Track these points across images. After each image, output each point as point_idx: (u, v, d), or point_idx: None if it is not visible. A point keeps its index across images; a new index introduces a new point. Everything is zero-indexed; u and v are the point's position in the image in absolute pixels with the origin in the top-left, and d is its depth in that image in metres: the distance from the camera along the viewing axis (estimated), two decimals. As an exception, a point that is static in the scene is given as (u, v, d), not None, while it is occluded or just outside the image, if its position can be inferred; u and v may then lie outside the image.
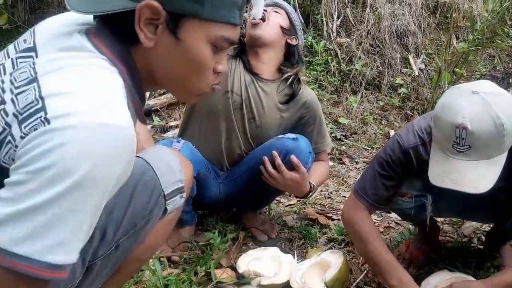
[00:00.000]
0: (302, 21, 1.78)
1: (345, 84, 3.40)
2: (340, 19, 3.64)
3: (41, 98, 0.63)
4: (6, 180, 0.61)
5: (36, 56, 0.71)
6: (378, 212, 2.10)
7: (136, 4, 0.70)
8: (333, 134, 2.99)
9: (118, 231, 0.88)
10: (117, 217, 0.87)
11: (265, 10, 1.61)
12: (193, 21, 0.73)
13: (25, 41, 0.77)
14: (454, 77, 3.39)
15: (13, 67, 0.71)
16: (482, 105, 1.08)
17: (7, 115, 0.64)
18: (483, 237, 1.81)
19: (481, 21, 3.53)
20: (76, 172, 0.59)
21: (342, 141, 2.97)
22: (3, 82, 0.70)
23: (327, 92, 3.31)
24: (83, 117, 0.61)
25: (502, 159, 1.12)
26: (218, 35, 0.76)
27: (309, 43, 3.44)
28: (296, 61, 1.72)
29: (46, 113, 0.61)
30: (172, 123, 2.83)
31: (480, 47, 3.39)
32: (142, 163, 0.94)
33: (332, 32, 3.54)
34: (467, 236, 1.85)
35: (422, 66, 3.68)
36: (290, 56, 1.71)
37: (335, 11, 3.62)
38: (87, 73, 0.68)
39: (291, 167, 1.56)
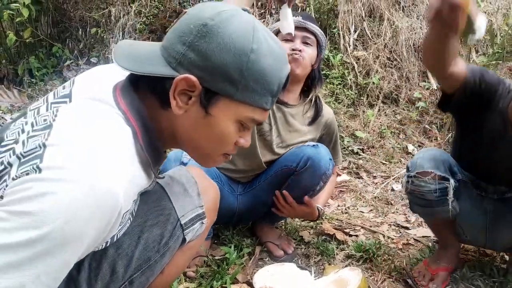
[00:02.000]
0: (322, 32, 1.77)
1: (362, 98, 3.38)
2: (357, 33, 3.64)
3: (44, 145, 0.65)
4: None
5: (70, 101, 0.75)
6: (397, 227, 2.07)
7: (175, 73, 0.73)
8: (350, 148, 2.96)
9: (129, 266, 0.85)
10: (127, 252, 0.85)
11: (294, 35, 1.56)
12: (226, 100, 0.76)
13: (64, 87, 0.80)
14: (474, 91, 3.33)
15: (46, 111, 0.74)
16: None
17: (13, 154, 0.67)
18: (506, 257, 1.75)
19: (501, 34, 3.48)
20: (49, 224, 0.60)
21: (359, 155, 2.94)
22: (26, 123, 0.72)
23: (344, 106, 3.29)
24: (72, 174, 0.62)
25: None
26: (247, 116, 0.79)
27: (326, 56, 3.44)
28: (317, 81, 1.74)
29: (41, 161, 0.63)
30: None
31: (500, 61, 3.34)
32: (155, 189, 0.91)
33: (349, 46, 3.54)
34: (489, 255, 1.79)
35: (441, 80, 3.64)
36: (312, 78, 1.72)
37: (352, 25, 3.62)
38: (97, 128, 0.69)
39: (307, 170, 1.57)
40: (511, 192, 1.52)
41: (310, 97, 1.71)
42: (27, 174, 0.62)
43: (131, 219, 0.86)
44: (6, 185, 0.64)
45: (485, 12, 3.88)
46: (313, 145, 1.62)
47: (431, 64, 1.36)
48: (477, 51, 3.73)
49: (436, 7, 1.09)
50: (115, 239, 0.81)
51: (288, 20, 1.41)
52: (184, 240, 0.95)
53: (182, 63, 0.73)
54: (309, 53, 1.63)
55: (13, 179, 0.63)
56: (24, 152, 0.65)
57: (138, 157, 0.75)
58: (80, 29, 4.13)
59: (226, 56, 0.72)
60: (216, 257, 1.65)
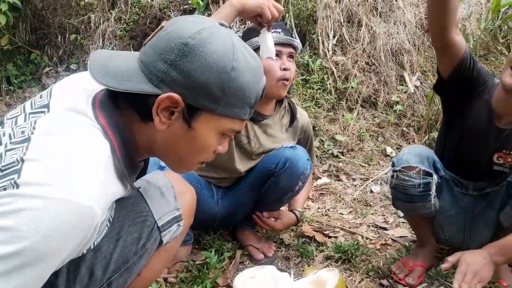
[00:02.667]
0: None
1: (341, 102, 3.44)
2: (336, 38, 3.71)
3: (22, 160, 0.66)
4: None
5: (48, 112, 0.76)
6: (375, 228, 2.12)
7: (157, 91, 0.75)
8: (330, 151, 3.01)
9: (108, 268, 0.87)
10: (105, 254, 0.86)
11: (277, 54, 1.54)
12: (208, 114, 0.79)
13: (41, 96, 0.81)
14: (449, 94, 3.43)
15: (24, 121, 0.74)
16: None
17: None
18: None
19: (474, 39, 3.59)
20: (26, 239, 0.61)
21: (339, 158, 2.99)
22: (4, 134, 0.73)
23: (324, 110, 3.34)
24: (50, 191, 0.63)
25: None
26: (228, 127, 0.83)
27: (306, 61, 3.49)
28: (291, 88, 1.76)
29: (19, 177, 0.64)
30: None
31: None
32: (132, 193, 0.92)
33: (328, 51, 3.60)
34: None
35: (418, 84, 3.73)
36: None
37: (331, 30, 3.69)
38: (75, 143, 0.70)
39: (286, 171, 1.61)
40: (490, 187, 1.58)
41: (284, 104, 1.75)
42: (5, 189, 0.63)
43: (109, 225, 0.88)
44: None
45: (459, 17, 4.01)
46: (291, 147, 1.66)
47: (435, 22, 1.38)
48: (451, 55, 3.84)
49: None
50: (92, 247, 0.82)
51: (267, 44, 1.39)
52: (161, 242, 0.97)
53: (164, 80, 0.76)
54: (293, 70, 1.63)
55: None
56: (2, 167, 0.66)
57: (115, 170, 0.77)
58: (59, 36, 4.09)
59: (209, 75, 0.76)
60: (197, 262, 1.66)
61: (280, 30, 1.58)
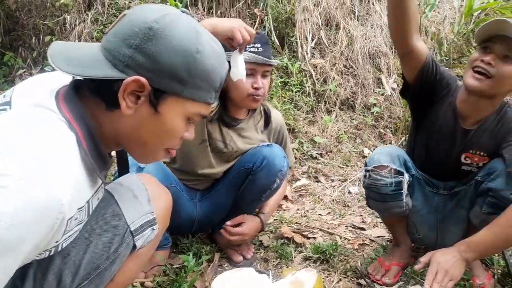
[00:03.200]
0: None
1: (320, 104, 3.47)
2: (314, 41, 3.74)
3: None
4: None
5: (10, 108, 0.74)
6: (353, 228, 2.14)
7: (123, 76, 0.75)
8: (309, 153, 3.03)
9: (77, 275, 0.84)
10: (74, 260, 0.84)
11: (252, 72, 1.53)
12: (174, 98, 0.79)
13: (4, 96, 0.79)
14: (425, 96, 3.51)
15: None
16: None
17: None
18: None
19: (448, 43, 3.69)
20: None
21: (318, 159, 3.01)
22: None
23: (303, 112, 3.37)
24: (14, 182, 0.62)
25: None
26: (194, 111, 0.83)
27: (285, 64, 3.51)
28: None
29: None
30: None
31: (448, 67, 3.53)
32: (104, 196, 0.91)
33: (307, 54, 3.63)
34: (438, 251, 1.89)
35: (394, 86, 3.80)
36: None
37: (309, 34, 3.72)
38: (39, 135, 0.69)
39: (263, 169, 1.62)
40: (459, 186, 1.62)
41: (258, 108, 1.74)
42: None
43: (80, 229, 0.85)
44: None
45: (434, 22, 4.10)
46: (267, 145, 1.68)
47: (395, 28, 1.43)
48: (426, 59, 3.93)
49: None
50: (60, 248, 0.79)
51: (238, 67, 1.37)
52: (134, 246, 0.95)
53: (129, 65, 0.75)
54: (267, 85, 1.61)
55: None
56: None
57: (83, 163, 0.75)
58: (34, 37, 3.99)
59: (174, 57, 0.76)
60: (175, 266, 1.64)
61: (259, 46, 1.55)
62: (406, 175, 1.54)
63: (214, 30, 1.27)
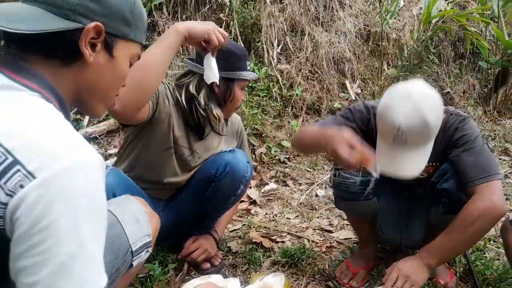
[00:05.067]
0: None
1: (287, 109, 3.50)
2: (280, 47, 3.78)
3: (7, 151, 0.61)
4: (15, 252, 0.60)
5: None
6: (321, 231, 2.15)
7: (79, 25, 0.73)
8: (277, 157, 3.04)
9: None
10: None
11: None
12: (123, 41, 0.81)
13: None
14: (387, 100, 3.61)
15: None
16: (414, 109, 1.31)
17: None
18: (417, 251, 1.89)
19: (408, 49, 3.82)
20: (77, 213, 0.61)
21: (286, 163, 3.03)
22: None
23: (270, 117, 3.38)
24: (64, 159, 0.62)
25: (430, 147, 1.41)
26: (135, 52, 0.86)
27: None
28: None
29: (24, 167, 0.60)
30: (112, 151, 2.73)
31: (408, 73, 3.66)
32: (108, 216, 0.90)
33: (273, 59, 3.66)
34: (403, 252, 1.93)
35: (358, 91, 3.89)
36: None
37: (275, 39, 3.75)
38: (37, 114, 0.67)
39: (227, 176, 1.61)
40: (418, 189, 1.66)
41: None
42: (22, 186, 0.59)
43: None
44: (2, 203, 0.60)
45: (394, 29, 4.24)
46: (230, 150, 1.65)
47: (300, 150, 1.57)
48: (388, 64, 4.05)
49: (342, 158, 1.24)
50: None
51: (212, 69, 1.40)
52: (131, 266, 0.98)
53: (82, 13, 0.73)
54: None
55: (8, 195, 0.60)
56: None
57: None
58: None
59: (121, 0, 0.79)
60: (140, 275, 1.59)
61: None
62: (374, 174, 1.56)
63: (190, 33, 1.29)
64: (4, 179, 0.60)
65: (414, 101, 1.32)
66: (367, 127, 1.54)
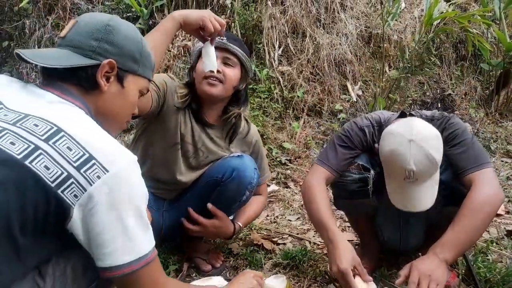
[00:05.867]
0: (248, 52, 1.68)
1: (288, 111, 3.50)
2: (281, 49, 3.78)
3: (86, 151, 0.83)
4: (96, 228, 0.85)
5: (49, 103, 0.90)
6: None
7: (96, 62, 0.96)
8: (278, 159, 3.04)
9: (86, 276, 0.93)
10: (88, 262, 0.91)
11: (215, 72, 1.53)
12: (132, 75, 1.04)
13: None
14: (389, 102, 3.60)
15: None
16: (419, 151, 1.36)
17: (56, 162, 0.81)
18: (419, 254, 1.88)
19: (410, 50, 3.81)
20: (136, 198, 0.90)
21: (287, 165, 3.02)
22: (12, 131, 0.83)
23: (271, 118, 3.38)
24: (123, 159, 0.88)
25: (438, 173, 1.44)
26: (144, 86, 1.08)
27: (253, 71, 3.51)
28: (242, 102, 1.71)
29: (100, 163, 0.84)
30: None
31: (409, 75, 3.65)
32: None
33: (274, 61, 3.65)
34: (405, 254, 1.92)
35: (360, 93, 3.88)
36: (237, 98, 1.69)
37: (276, 41, 3.75)
38: (89, 122, 0.92)
39: (233, 181, 1.59)
40: None
41: (229, 114, 1.68)
42: (99, 177, 0.83)
43: None
44: (83, 187, 0.82)
45: (396, 30, 4.24)
46: (238, 156, 1.64)
47: None
48: (389, 66, 4.04)
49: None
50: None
51: (210, 57, 1.42)
52: None
53: (99, 53, 0.97)
54: (229, 74, 1.58)
55: (89, 183, 0.82)
56: (74, 161, 0.82)
57: None
58: (-9, 42, 3.83)
59: (130, 43, 1.02)
60: (141, 277, 1.58)
61: (224, 38, 1.55)
62: (372, 172, 1.55)
63: (185, 19, 1.35)
64: (85, 168, 0.82)
65: (418, 143, 1.36)
66: (366, 147, 1.59)
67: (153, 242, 0.94)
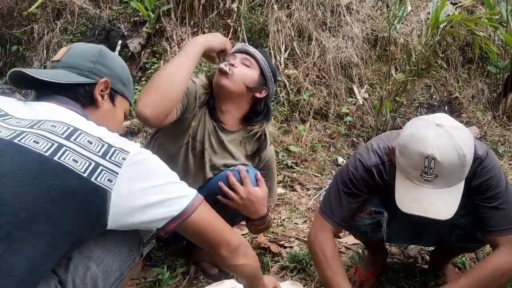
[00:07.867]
0: (274, 69, 1.70)
1: (294, 114, 3.50)
2: (287, 52, 3.78)
3: (104, 142, 0.92)
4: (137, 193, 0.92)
5: (15, 117, 0.93)
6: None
7: (93, 81, 1.07)
8: (284, 162, 3.04)
9: (108, 281, 0.95)
10: (106, 269, 0.95)
11: (234, 56, 1.61)
12: (121, 97, 1.16)
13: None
14: (395, 105, 3.59)
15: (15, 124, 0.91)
16: (447, 137, 1.14)
17: (82, 155, 0.87)
18: (427, 257, 1.88)
19: (416, 53, 3.80)
20: (160, 167, 1.00)
21: (293, 168, 3.02)
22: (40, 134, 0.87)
23: (278, 122, 3.38)
24: (132, 143, 0.97)
25: (461, 186, 1.20)
26: (127, 108, 1.21)
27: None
28: (263, 115, 1.67)
29: (122, 149, 0.93)
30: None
31: (416, 78, 3.64)
32: None
33: (280, 64, 3.66)
34: (412, 257, 1.91)
35: (366, 96, 3.87)
36: (256, 109, 1.66)
37: (282, 44, 3.76)
38: (94, 124, 0.99)
39: None
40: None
41: (253, 131, 1.66)
42: (124, 159, 0.91)
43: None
44: (114, 171, 0.88)
45: (402, 33, 4.24)
46: (243, 165, 1.62)
47: None
48: (396, 69, 4.04)
49: None
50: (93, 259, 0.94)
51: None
52: (141, 256, 1.08)
53: (95, 73, 1.09)
54: (244, 71, 1.58)
55: (117, 166, 0.89)
56: (98, 152, 0.89)
57: None
58: (0, 47, 3.87)
59: (119, 68, 1.16)
60: (149, 279, 1.59)
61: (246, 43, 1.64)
62: (385, 214, 1.44)
63: (209, 45, 1.48)
64: (109, 155, 0.90)
65: (447, 130, 1.14)
66: (374, 188, 1.40)
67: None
